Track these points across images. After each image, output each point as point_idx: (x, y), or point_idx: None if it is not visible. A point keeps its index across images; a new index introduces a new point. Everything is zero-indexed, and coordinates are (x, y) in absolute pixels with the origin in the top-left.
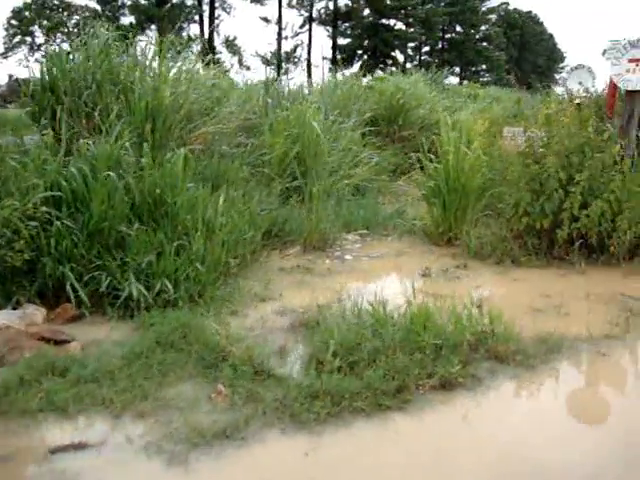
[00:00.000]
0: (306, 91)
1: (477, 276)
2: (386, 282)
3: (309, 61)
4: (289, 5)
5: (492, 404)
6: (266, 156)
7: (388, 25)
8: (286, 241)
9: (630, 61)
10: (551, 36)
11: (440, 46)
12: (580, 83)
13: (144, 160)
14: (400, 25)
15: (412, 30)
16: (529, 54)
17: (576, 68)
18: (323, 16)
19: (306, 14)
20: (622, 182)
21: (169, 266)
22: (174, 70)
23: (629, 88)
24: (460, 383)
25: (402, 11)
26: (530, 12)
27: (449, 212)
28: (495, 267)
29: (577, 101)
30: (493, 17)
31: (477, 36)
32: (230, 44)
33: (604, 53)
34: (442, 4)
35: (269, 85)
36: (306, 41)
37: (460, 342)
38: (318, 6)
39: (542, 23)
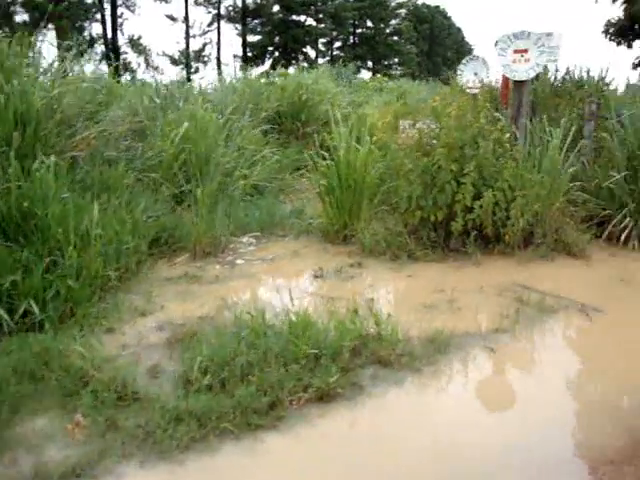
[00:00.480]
0: (209, 90)
1: (371, 274)
2: (275, 286)
3: (219, 59)
4: (196, 3)
5: (372, 413)
6: (155, 160)
7: (298, 21)
8: (176, 249)
9: (515, 52)
10: (459, 30)
11: (352, 41)
12: (475, 74)
13: (10, 170)
14: (310, 21)
15: (322, 26)
16: (439, 47)
17: (471, 59)
18: (232, 13)
19: (214, 11)
20: (514, 170)
21: (36, 285)
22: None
23: (516, 78)
24: (339, 393)
25: (312, 7)
26: (438, 7)
27: (343, 209)
28: (390, 263)
29: (474, 91)
30: (403, 12)
31: (387, 30)
32: (135, 44)
33: (496, 44)
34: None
35: (159, 86)
36: (215, 39)
37: (341, 348)
38: (226, 3)
39: (450, 17)
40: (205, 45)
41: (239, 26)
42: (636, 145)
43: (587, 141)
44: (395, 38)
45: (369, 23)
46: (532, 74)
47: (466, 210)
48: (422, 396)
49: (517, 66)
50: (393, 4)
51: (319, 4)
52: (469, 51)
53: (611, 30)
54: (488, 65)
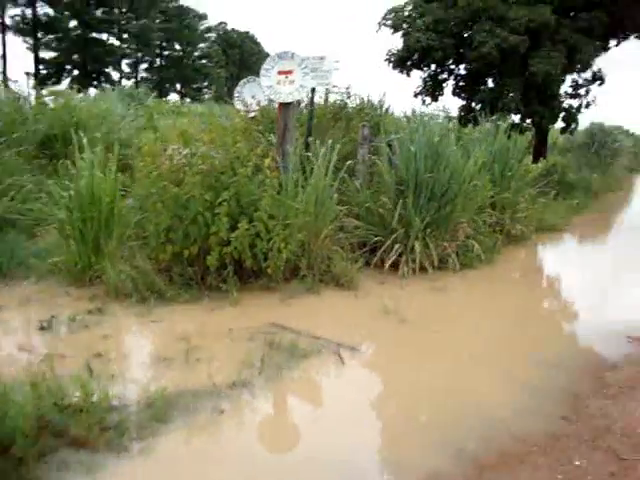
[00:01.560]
0: None
1: (111, 322)
2: None
3: (4, 74)
4: None
5: None
6: None
7: (99, 39)
8: None
9: (280, 73)
10: (268, 55)
11: (159, 63)
12: (253, 96)
13: None
14: (113, 40)
15: (126, 46)
16: (248, 72)
17: (248, 81)
18: (20, 25)
19: None
20: (274, 198)
21: None
22: None
23: (280, 100)
24: None
25: (114, 25)
26: (248, 32)
27: (87, 245)
28: (137, 308)
29: (251, 114)
30: (212, 35)
31: (196, 54)
32: None
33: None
34: (158, 20)
35: None
36: None
37: (21, 428)
38: (11, 12)
39: (259, 43)
40: None
41: (30, 40)
42: (404, 170)
43: (360, 166)
44: (204, 61)
45: (177, 46)
46: (297, 96)
47: (223, 243)
48: None
49: (281, 88)
50: (202, 28)
51: (122, 22)
52: None
53: (392, 59)
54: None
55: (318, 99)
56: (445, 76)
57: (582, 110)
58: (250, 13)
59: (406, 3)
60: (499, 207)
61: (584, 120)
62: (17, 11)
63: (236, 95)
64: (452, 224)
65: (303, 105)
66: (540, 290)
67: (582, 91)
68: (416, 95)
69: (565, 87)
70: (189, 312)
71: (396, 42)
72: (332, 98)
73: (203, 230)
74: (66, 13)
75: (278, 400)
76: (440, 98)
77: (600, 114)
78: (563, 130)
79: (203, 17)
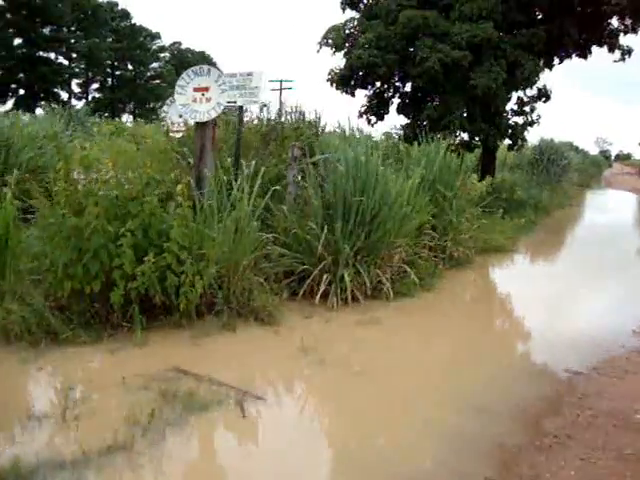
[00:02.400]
0: None
1: None
2: None
3: None
4: None
5: None
6: None
7: (47, 58)
8: None
9: (196, 90)
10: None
11: (111, 83)
12: (180, 116)
13: None
14: (62, 59)
15: (75, 65)
16: None
17: (171, 102)
18: None
19: None
20: (186, 227)
21: None
22: None
23: (196, 119)
24: None
25: (62, 44)
26: (203, 52)
27: None
28: (25, 352)
29: (177, 135)
30: (166, 55)
31: (148, 74)
32: None
33: None
34: (109, 39)
35: None
36: None
37: None
38: None
39: (215, 63)
40: None
41: None
42: (332, 192)
43: (290, 188)
44: (157, 81)
45: (129, 65)
46: (213, 114)
47: (129, 277)
48: None
49: (198, 106)
50: (155, 47)
51: (72, 41)
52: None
53: (335, 79)
54: None
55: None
56: (390, 94)
57: (528, 128)
58: (206, 33)
59: (347, 21)
60: (440, 229)
61: (534, 137)
62: None
63: (163, 115)
64: (386, 249)
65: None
66: (479, 321)
67: (527, 108)
68: (361, 115)
69: (511, 104)
70: (85, 356)
71: (338, 62)
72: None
73: (106, 264)
74: (10, 30)
75: (157, 470)
76: (386, 117)
77: (551, 131)
78: (510, 147)
79: (156, 36)
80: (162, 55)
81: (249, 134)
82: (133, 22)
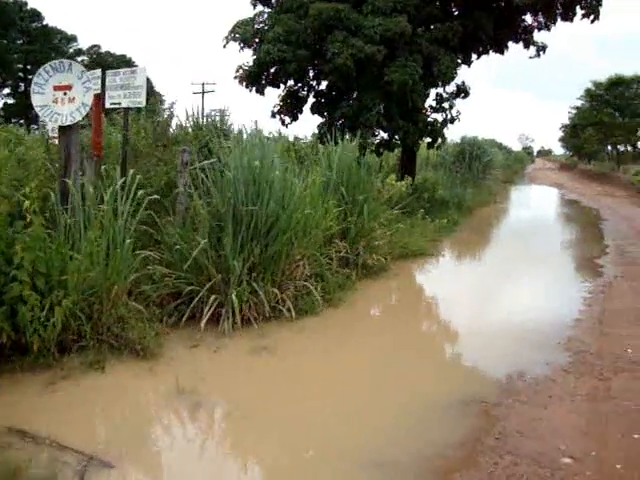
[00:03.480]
0: None
1: None
2: None
3: None
4: None
5: None
6: None
7: None
8: None
9: (56, 88)
10: (148, 79)
11: (24, 88)
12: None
13: None
14: None
15: None
16: None
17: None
18: None
19: None
20: (35, 248)
21: None
22: None
23: (59, 123)
24: None
25: None
26: (124, 55)
27: None
28: None
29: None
30: (85, 59)
31: None
32: None
33: None
34: (19, 41)
35: None
36: None
37: None
38: None
39: (137, 66)
40: None
41: None
42: (220, 202)
43: (181, 198)
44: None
45: None
46: (78, 117)
47: None
48: None
49: (60, 108)
50: (71, 50)
51: None
52: (161, 101)
53: (244, 76)
54: None
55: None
56: (305, 92)
57: (448, 125)
58: (125, 35)
59: (256, 15)
60: (352, 236)
61: (457, 134)
62: None
63: (41, 120)
64: (285, 264)
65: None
66: (388, 341)
67: (446, 105)
68: (274, 115)
69: (429, 101)
70: None
71: (247, 58)
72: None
73: None
74: None
75: None
76: (300, 116)
77: (474, 129)
78: (430, 145)
79: (72, 39)
80: (80, 59)
81: (139, 140)
82: (45, 23)
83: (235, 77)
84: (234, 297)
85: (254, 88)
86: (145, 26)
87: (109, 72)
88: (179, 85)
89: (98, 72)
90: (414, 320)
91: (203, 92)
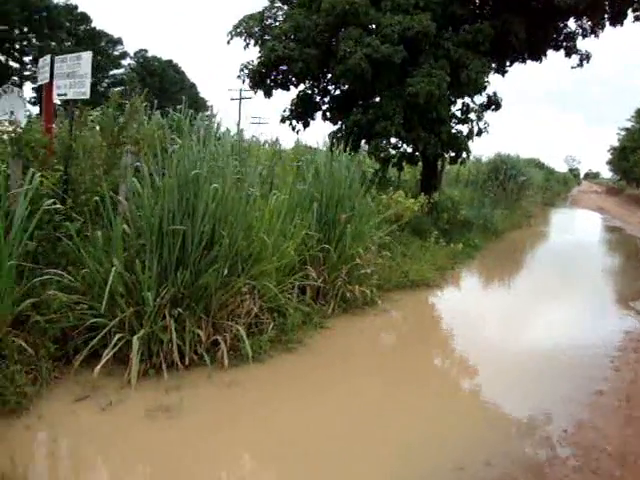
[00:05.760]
0: None
1: None
2: None
3: None
4: None
5: None
6: None
7: None
8: None
9: None
10: (193, 85)
11: None
12: (11, 112)
13: None
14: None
15: (28, 68)
16: (169, 101)
17: (4, 91)
18: None
19: None
20: None
21: None
22: None
23: None
24: None
25: (6, 45)
26: (171, 61)
27: None
28: None
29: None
30: (131, 62)
31: (108, 80)
32: None
33: None
34: (68, 43)
35: None
36: None
37: None
38: None
39: (183, 72)
40: None
41: None
42: (139, 216)
43: (120, 207)
44: (118, 89)
45: None
46: None
47: None
48: None
49: None
50: (116, 53)
51: (24, 44)
52: (205, 107)
53: (249, 75)
54: (24, 100)
55: None
56: (318, 98)
57: (473, 137)
58: (172, 42)
59: (266, 8)
60: (332, 262)
61: (491, 150)
62: None
63: None
64: (225, 297)
65: None
66: (338, 412)
67: (473, 115)
68: (284, 120)
69: (454, 110)
70: None
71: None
72: None
73: None
74: None
75: None
76: (313, 123)
77: (516, 147)
78: (453, 160)
79: (118, 42)
80: (125, 62)
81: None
82: (93, 26)
83: (239, 76)
84: (135, 339)
85: (260, 89)
86: (189, 31)
87: (57, 58)
88: (221, 92)
89: (48, 58)
90: (390, 378)
91: (240, 98)
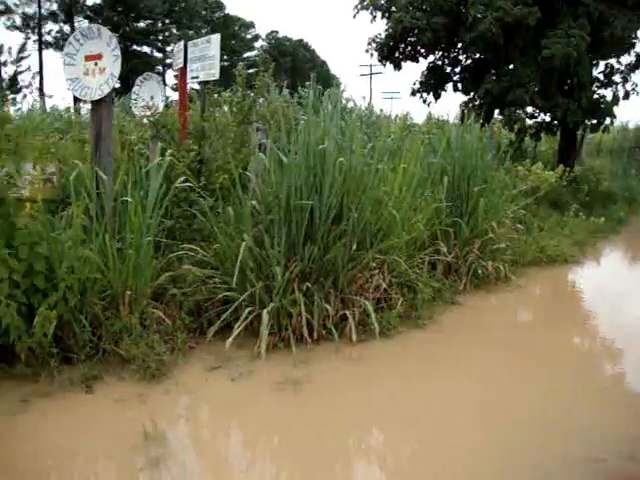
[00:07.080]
0: None
1: None
2: None
3: (41, 90)
4: (12, 26)
5: None
6: None
7: (139, 51)
8: None
9: (87, 58)
10: (324, 63)
11: None
12: (152, 97)
13: None
14: (152, 51)
15: (161, 56)
16: (302, 79)
17: (145, 78)
18: (60, 41)
19: (34, 37)
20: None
21: None
22: None
23: (89, 97)
24: None
25: (157, 36)
26: (301, 40)
27: None
28: None
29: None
30: (263, 44)
31: (242, 63)
32: None
33: None
34: (204, 30)
35: None
36: (36, 67)
37: None
38: (47, 28)
39: (314, 50)
40: (17, 73)
41: None
42: (269, 192)
43: (250, 186)
44: (251, 71)
45: (224, 55)
46: (106, 90)
47: None
48: None
49: (90, 80)
50: (249, 36)
51: (166, 34)
52: (337, 85)
53: (376, 48)
54: (162, 86)
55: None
56: (448, 68)
57: (619, 102)
58: (302, 21)
59: None
60: (463, 237)
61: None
62: (55, 27)
63: (133, 97)
64: (352, 272)
65: None
66: (481, 390)
67: (618, 78)
68: (414, 93)
69: (595, 73)
70: None
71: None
72: None
73: None
74: (107, 27)
75: None
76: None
77: None
78: (594, 127)
79: (250, 25)
80: (257, 44)
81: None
82: (227, 12)
83: (367, 50)
84: (265, 313)
85: (389, 61)
86: (317, 9)
87: (190, 43)
88: (352, 68)
89: (181, 44)
90: (524, 359)
91: (371, 74)
